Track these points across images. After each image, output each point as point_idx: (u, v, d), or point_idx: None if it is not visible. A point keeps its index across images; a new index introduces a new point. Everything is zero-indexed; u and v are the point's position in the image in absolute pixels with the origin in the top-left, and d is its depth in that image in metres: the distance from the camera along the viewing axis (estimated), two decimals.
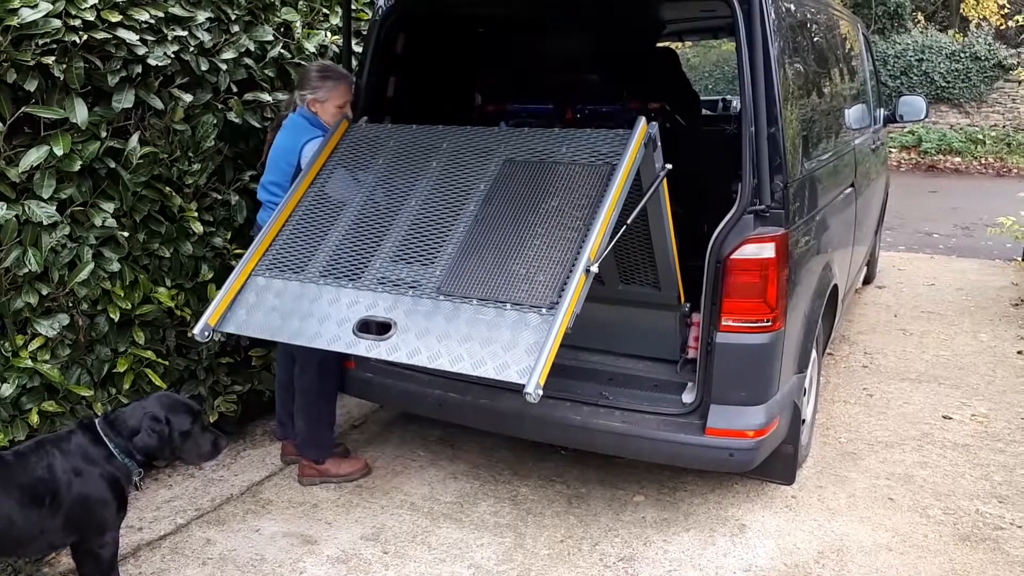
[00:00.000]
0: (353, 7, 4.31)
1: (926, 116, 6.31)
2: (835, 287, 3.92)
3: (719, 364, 3.03)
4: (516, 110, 4.22)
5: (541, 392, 2.33)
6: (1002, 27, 17.47)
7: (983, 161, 14.14)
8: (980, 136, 14.49)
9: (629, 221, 2.79)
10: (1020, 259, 7.97)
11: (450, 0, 3.98)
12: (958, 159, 14.25)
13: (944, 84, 14.91)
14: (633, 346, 3.49)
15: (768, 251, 2.97)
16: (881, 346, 5.51)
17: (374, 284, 2.82)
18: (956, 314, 6.23)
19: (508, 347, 2.50)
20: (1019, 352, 5.40)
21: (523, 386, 2.35)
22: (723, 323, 3.01)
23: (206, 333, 2.85)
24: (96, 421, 2.70)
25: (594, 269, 2.54)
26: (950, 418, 4.41)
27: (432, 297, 2.69)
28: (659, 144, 2.84)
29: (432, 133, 3.20)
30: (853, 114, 4.89)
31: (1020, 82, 14.66)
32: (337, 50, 4.20)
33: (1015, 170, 13.85)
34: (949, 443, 4.12)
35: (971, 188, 12.72)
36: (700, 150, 4.18)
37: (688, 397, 3.20)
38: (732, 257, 2.97)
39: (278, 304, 2.88)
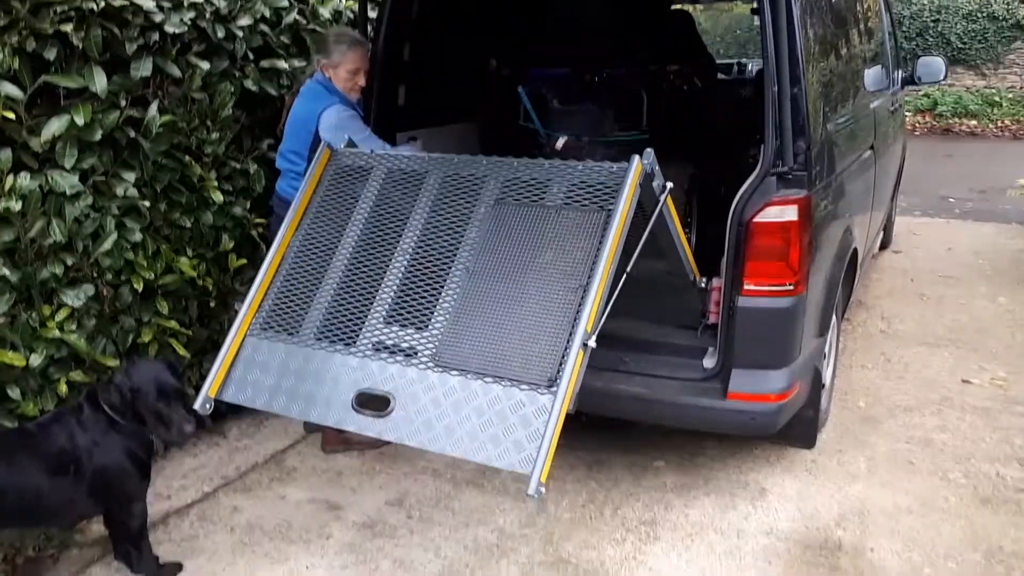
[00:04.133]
0: None
1: (945, 77, 6.22)
2: (855, 251, 3.90)
3: (741, 328, 3.03)
4: (535, 75, 4.18)
5: (544, 490, 2.25)
6: None
7: (999, 124, 13.95)
8: (997, 98, 14.28)
9: (629, 269, 2.65)
10: None
11: None
12: (974, 122, 14.06)
13: (960, 46, 14.67)
14: (652, 312, 3.48)
15: (791, 213, 2.95)
16: (898, 311, 5.49)
17: (370, 350, 2.70)
18: (974, 278, 6.19)
19: (509, 431, 2.39)
20: None
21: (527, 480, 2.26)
22: (745, 287, 3.00)
23: (207, 406, 2.78)
24: (92, 392, 2.73)
25: (592, 344, 2.41)
26: (969, 382, 4.40)
27: (428, 368, 2.57)
28: (656, 169, 2.66)
29: (418, 162, 3.03)
30: (872, 75, 4.82)
31: None
32: (352, 16, 4.16)
33: None
34: (968, 407, 4.12)
35: (987, 151, 12.55)
36: (716, 113, 4.14)
37: (709, 362, 3.20)
38: (755, 220, 2.95)
39: (274, 370, 2.78)
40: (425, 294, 2.71)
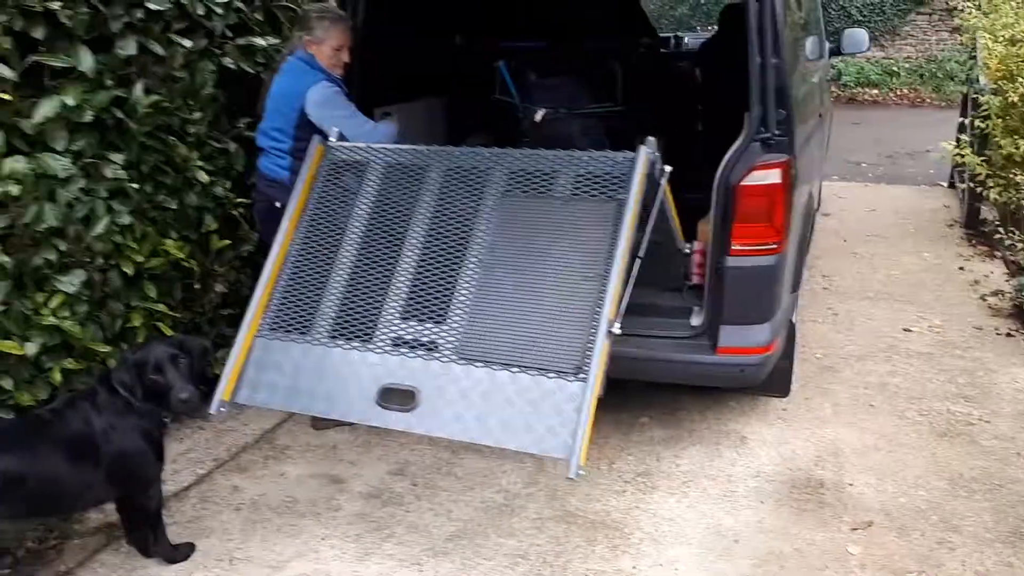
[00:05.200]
0: None
1: (868, 49, 6.57)
2: (813, 212, 4.16)
3: (730, 287, 3.22)
4: (511, 48, 4.25)
5: (583, 472, 2.36)
6: None
7: (899, 92, 14.76)
8: (895, 68, 15.08)
9: (641, 254, 2.73)
10: (946, 184, 8.47)
11: None
12: (875, 91, 14.83)
13: (860, 18, 15.38)
14: (639, 278, 3.63)
15: (774, 176, 3.15)
16: (836, 268, 5.84)
17: (388, 346, 2.71)
18: (899, 236, 6.63)
19: (541, 419, 2.46)
20: (960, 268, 5.82)
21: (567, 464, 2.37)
22: (733, 247, 3.19)
23: (222, 409, 2.79)
24: (103, 377, 2.72)
25: (616, 330, 2.50)
26: (910, 330, 4.76)
27: (452, 361, 2.61)
28: (657, 154, 2.74)
29: (416, 154, 3.03)
30: (810, 45, 5.09)
31: (931, 13, 15.26)
32: None
33: (928, 100, 14.51)
34: (913, 353, 4.46)
35: (889, 119, 13.26)
36: (681, 85, 4.31)
37: (696, 320, 3.38)
38: (742, 183, 3.13)
39: (289, 370, 2.78)
40: (440, 288, 2.75)
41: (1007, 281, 5.40)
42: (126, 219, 3.18)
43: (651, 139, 2.75)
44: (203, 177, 3.45)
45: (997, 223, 5.93)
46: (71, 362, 3.08)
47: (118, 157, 3.10)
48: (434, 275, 2.79)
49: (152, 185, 3.31)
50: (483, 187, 2.87)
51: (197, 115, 3.43)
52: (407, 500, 3.26)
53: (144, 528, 2.86)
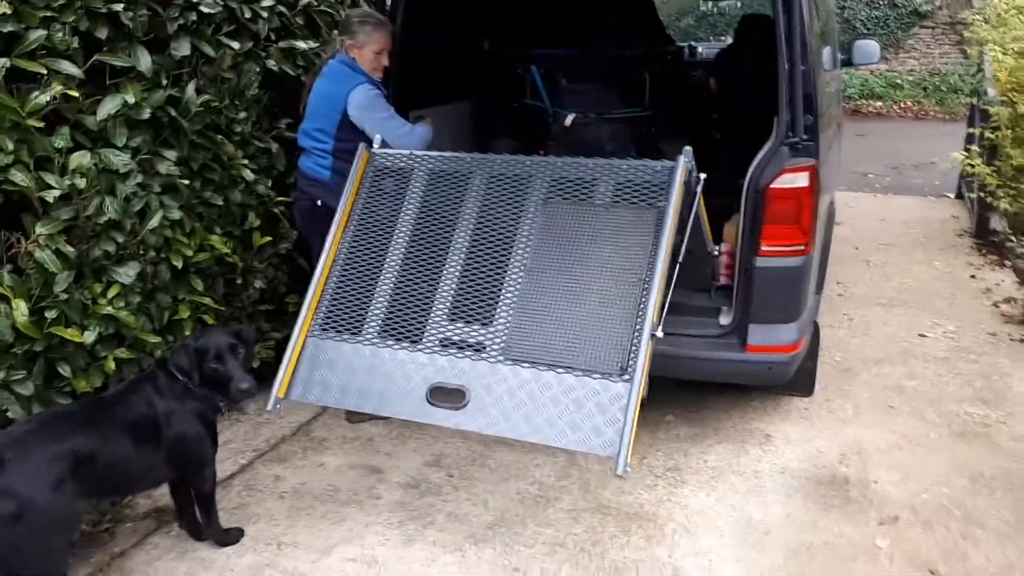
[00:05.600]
0: None
1: (879, 60, 6.70)
2: (833, 218, 4.28)
3: (759, 286, 3.32)
4: (542, 55, 4.35)
5: (630, 469, 2.47)
6: None
7: (902, 105, 14.92)
8: (899, 81, 15.25)
9: (680, 259, 2.84)
10: (953, 195, 8.60)
11: None
12: (879, 103, 14.99)
13: (865, 31, 15.56)
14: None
15: (802, 180, 3.26)
16: (850, 276, 5.95)
17: (437, 346, 2.82)
18: (909, 245, 6.75)
19: (586, 418, 2.56)
20: (972, 276, 5.93)
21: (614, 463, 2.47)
22: (763, 248, 3.29)
23: (278, 406, 2.91)
24: (162, 362, 2.82)
25: (660, 333, 2.61)
26: (925, 336, 4.87)
27: (499, 362, 2.72)
28: (693, 163, 2.83)
29: (459, 161, 3.13)
30: (827, 56, 5.21)
31: (934, 27, 15.44)
32: None
33: (931, 112, 14.67)
34: (929, 357, 4.57)
35: (894, 131, 13.42)
36: (707, 91, 4.43)
37: (725, 319, 3.49)
38: (771, 187, 3.24)
39: (341, 369, 2.89)
40: (486, 291, 2.86)
41: (1018, 289, 5.52)
42: (176, 214, 3.27)
43: (688, 148, 2.85)
44: (248, 175, 3.56)
45: (1008, 232, 6.04)
46: (123, 351, 3.18)
47: (171, 154, 3.21)
48: (479, 278, 2.89)
49: (200, 182, 3.41)
50: (525, 194, 2.97)
51: (243, 115, 3.53)
52: (445, 490, 3.35)
53: (194, 512, 2.96)
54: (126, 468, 2.56)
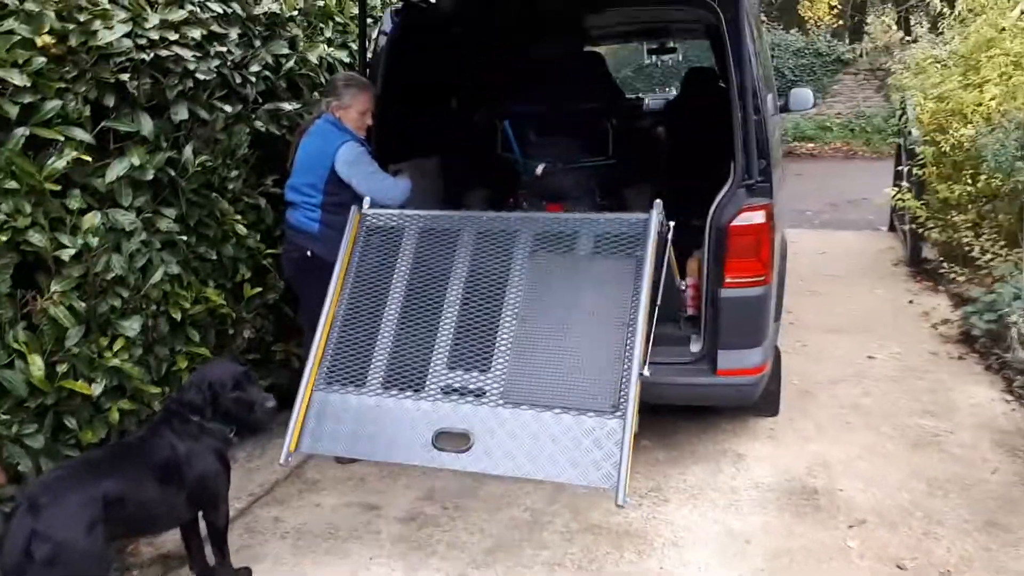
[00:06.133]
0: (340, 21, 4.63)
1: (813, 106, 7.20)
2: (786, 251, 4.61)
3: (725, 315, 3.60)
4: (514, 111, 4.64)
5: (629, 500, 2.70)
6: (834, 25, 19.33)
7: (833, 146, 15.74)
8: (828, 124, 16.10)
9: (659, 301, 3.10)
10: (886, 228, 9.14)
11: (451, 12, 4.36)
12: (812, 144, 15.78)
13: (793, 78, 16.43)
14: None
15: (760, 217, 3.57)
16: (798, 305, 6.30)
17: (439, 394, 3.02)
18: (851, 276, 7.18)
19: (585, 453, 2.78)
20: (910, 301, 6.36)
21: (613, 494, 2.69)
22: (727, 280, 3.58)
23: (289, 459, 3.10)
24: (173, 403, 2.94)
25: (646, 373, 2.87)
26: (874, 357, 5.22)
27: (500, 405, 2.92)
28: (663, 214, 3.09)
29: (447, 220, 3.35)
30: (771, 102, 5.64)
31: (857, 73, 16.40)
32: (331, 62, 4.50)
33: (860, 152, 15.50)
34: (880, 376, 4.91)
35: (826, 170, 14.13)
36: (665, 140, 4.77)
37: (695, 347, 3.75)
38: (732, 224, 3.54)
39: (348, 420, 3.06)
40: (481, 339, 3.07)
41: (952, 312, 5.93)
42: (175, 269, 3.43)
43: (658, 202, 3.13)
44: (241, 230, 3.74)
45: (940, 260, 6.50)
46: (125, 402, 3.30)
47: (170, 212, 3.38)
48: (475, 328, 3.10)
49: (196, 237, 3.58)
50: (512, 248, 3.20)
51: (234, 173, 3.72)
52: (442, 521, 3.51)
53: (204, 556, 3.06)
54: (151, 509, 2.67)
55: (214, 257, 3.68)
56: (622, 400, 2.84)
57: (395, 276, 3.27)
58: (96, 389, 3.10)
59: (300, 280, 3.87)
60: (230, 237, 3.76)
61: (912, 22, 16.26)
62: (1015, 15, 6.54)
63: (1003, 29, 6.40)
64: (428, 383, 3.06)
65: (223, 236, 3.72)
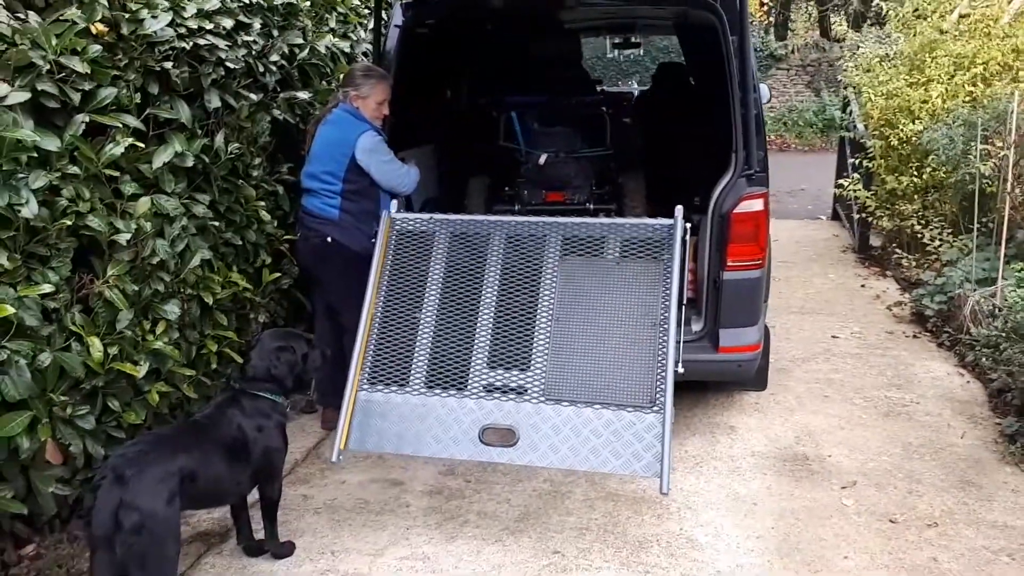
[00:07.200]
0: (341, 11, 4.72)
1: (768, 101, 7.59)
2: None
3: (727, 296, 3.88)
4: (518, 102, 4.82)
5: (670, 489, 2.94)
6: (764, 22, 20.02)
7: (767, 139, 16.36)
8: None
9: (685, 302, 3.32)
10: (826, 217, 9.67)
11: (459, 6, 4.50)
12: None
13: None
14: None
15: (759, 205, 3.86)
16: None
17: (482, 392, 3.18)
18: (804, 261, 7.62)
19: (626, 446, 2.99)
20: (862, 285, 6.81)
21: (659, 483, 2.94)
22: (728, 264, 3.86)
23: (340, 457, 3.24)
24: (238, 381, 3.06)
25: (681, 369, 3.10)
26: (838, 337, 5.62)
27: (542, 402, 3.11)
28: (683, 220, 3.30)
29: (477, 224, 3.49)
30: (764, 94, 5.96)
31: (788, 68, 17.08)
32: (335, 51, 4.60)
33: (793, 145, 16.19)
34: (845, 354, 5.30)
35: None
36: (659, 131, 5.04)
37: (696, 326, 4.03)
38: (734, 212, 3.82)
39: (394, 419, 3.21)
40: (519, 339, 3.25)
41: (902, 294, 6.40)
42: (207, 254, 3.51)
43: (679, 208, 3.36)
44: (264, 216, 3.82)
45: (893, 246, 6.97)
46: (161, 385, 3.38)
47: (203, 198, 3.46)
48: (512, 328, 3.27)
49: (224, 223, 3.66)
50: (542, 252, 3.38)
51: (257, 160, 3.81)
52: (467, 494, 3.70)
53: (251, 531, 3.18)
54: (221, 484, 2.79)
55: (239, 242, 3.76)
56: (659, 396, 3.07)
57: (429, 279, 3.40)
58: (141, 371, 3.17)
59: (319, 267, 3.98)
60: (252, 223, 3.84)
61: (831, 20, 17.05)
62: (954, 19, 7.06)
63: (944, 32, 6.90)
64: (471, 382, 3.22)
65: (247, 222, 3.80)
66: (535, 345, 3.22)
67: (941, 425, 4.29)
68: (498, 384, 3.19)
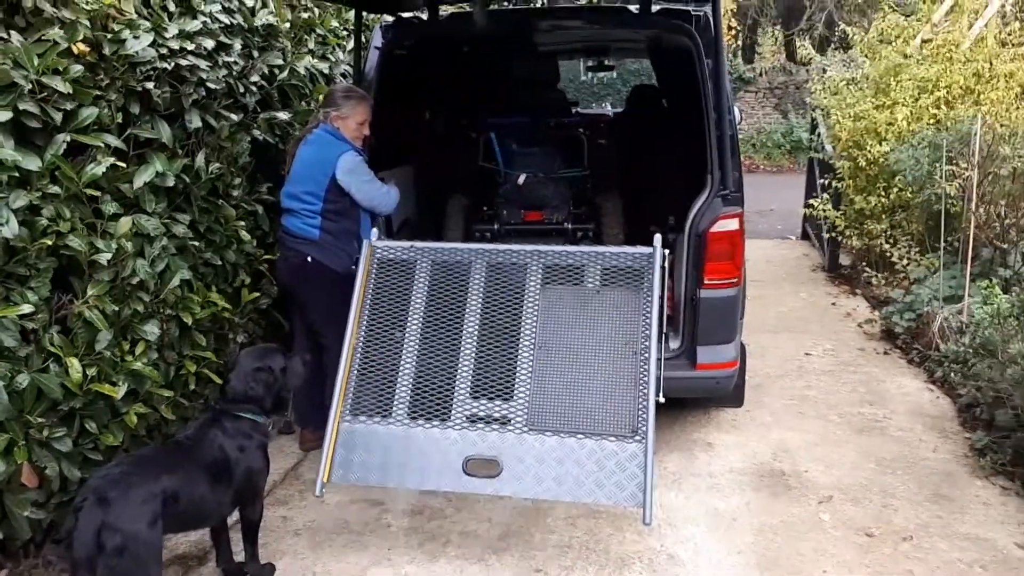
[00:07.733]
0: (320, 32, 4.75)
1: (740, 122, 7.74)
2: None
3: (704, 314, 3.93)
4: (498, 123, 4.86)
5: (653, 522, 2.96)
6: (732, 45, 20.39)
7: None
8: None
9: (664, 330, 3.34)
10: (795, 237, 9.83)
11: (439, 29, 4.55)
12: None
13: None
14: None
15: (734, 224, 3.93)
16: None
17: (465, 423, 3.18)
18: (776, 281, 7.73)
19: (608, 475, 3.00)
20: (832, 303, 6.93)
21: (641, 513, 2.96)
22: (705, 282, 3.92)
23: (323, 491, 3.23)
24: (219, 403, 3.04)
25: (661, 399, 3.13)
26: (811, 354, 5.70)
27: (525, 432, 3.11)
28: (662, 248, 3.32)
29: (458, 252, 3.48)
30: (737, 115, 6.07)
31: (757, 91, 17.38)
32: (314, 72, 4.62)
33: (761, 166, 16.44)
34: (819, 371, 5.38)
35: None
36: (634, 153, 5.12)
37: (674, 344, 4.07)
38: (711, 231, 3.88)
39: (377, 450, 3.18)
40: (501, 369, 3.24)
41: (871, 312, 6.51)
42: (187, 274, 3.50)
43: (658, 236, 3.39)
44: (244, 235, 3.82)
45: (862, 265, 7.09)
46: (140, 406, 3.34)
47: (184, 217, 3.45)
48: (495, 357, 3.27)
49: (204, 242, 3.65)
50: (523, 280, 3.39)
51: (237, 180, 3.81)
52: (448, 513, 3.69)
53: (230, 553, 3.15)
54: (203, 505, 2.76)
55: (219, 262, 3.75)
56: (641, 425, 3.08)
57: (411, 308, 3.39)
58: (120, 392, 3.14)
59: (299, 286, 3.97)
60: (232, 243, 3.83)
61: (797, 44, 17.42)
62: (917, 44, 7.26)
63: (907, 56, 7.09)
64: (454, 412, 3.21)
65: (227, 242, 3.79)
66: (518, 374, 3.22)
67: (913, 440, 4.37)
68: (481, 414, 3.18)
